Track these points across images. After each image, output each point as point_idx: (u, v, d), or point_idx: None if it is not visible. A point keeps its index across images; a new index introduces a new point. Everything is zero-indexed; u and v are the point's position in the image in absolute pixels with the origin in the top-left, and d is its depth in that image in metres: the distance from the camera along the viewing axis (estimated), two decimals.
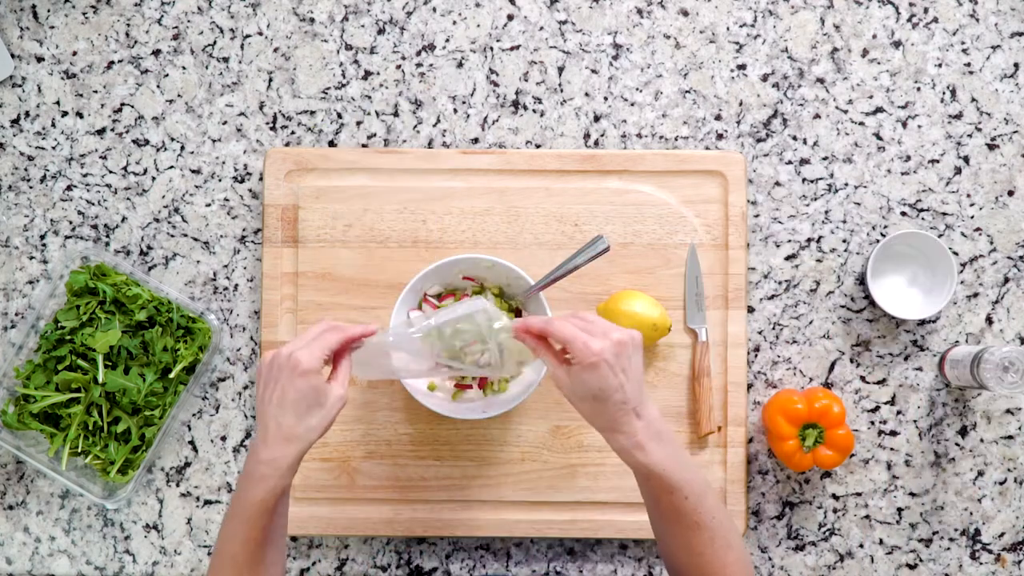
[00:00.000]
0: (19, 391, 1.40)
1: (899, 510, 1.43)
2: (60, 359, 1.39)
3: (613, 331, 1.12)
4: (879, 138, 1.45)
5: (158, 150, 1.46)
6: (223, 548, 1.15)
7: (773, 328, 1.44)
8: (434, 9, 1.47)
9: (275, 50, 1.46)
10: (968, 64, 1.46)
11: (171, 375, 1.40)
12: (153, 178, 1.46)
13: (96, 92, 1.46)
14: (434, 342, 1.21)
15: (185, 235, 1.46)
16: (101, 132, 1.46)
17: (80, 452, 1.41)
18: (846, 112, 1.46)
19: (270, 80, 1.46)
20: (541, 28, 1.46)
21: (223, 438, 1.45)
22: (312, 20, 1.47)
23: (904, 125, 1.45)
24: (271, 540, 1.16)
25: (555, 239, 1.43)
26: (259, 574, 1.15)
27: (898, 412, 1.44)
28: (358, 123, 1.46)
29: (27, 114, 1.46)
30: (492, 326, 1.19)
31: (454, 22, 1.47)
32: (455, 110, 1.46)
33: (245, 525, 1.13)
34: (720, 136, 1.46)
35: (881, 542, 1.43)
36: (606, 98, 1.46)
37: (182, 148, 1.46)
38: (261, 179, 1.46)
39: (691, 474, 1.14)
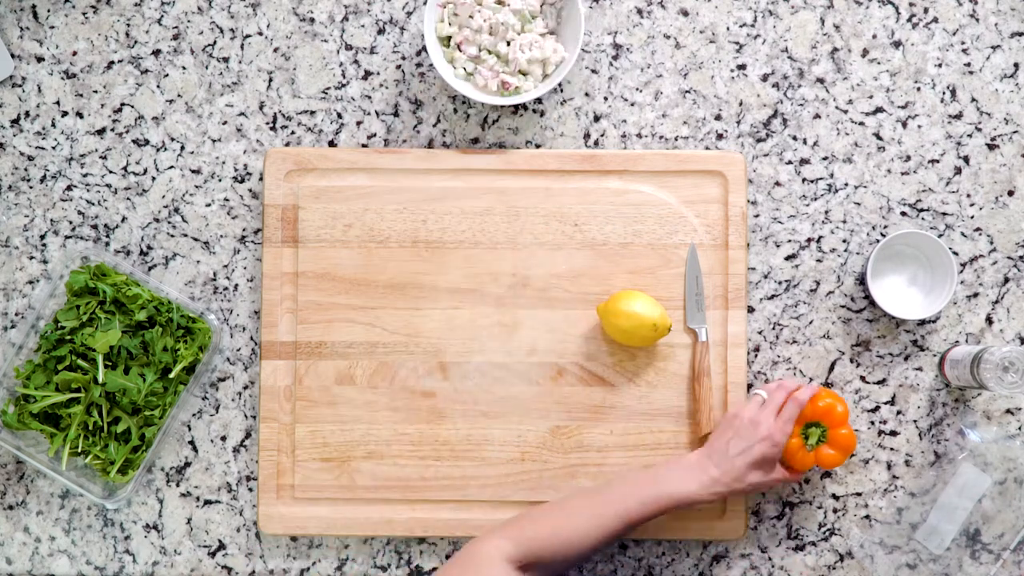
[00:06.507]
0: (19, 391, 1.40)
1: (899, 510, 1.43)
2: (60, 359, 1.39)
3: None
4: (879, 138, 1.45)
5: (158, 150, 1.46)
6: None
7: (773, 328, 1.44)
8: None
9: (275, 50, 1.46)
10: (968, 64, 1.46)
11: (171, 375, 1.40)
12: (153, 178, 1.46)
13: (96, 92, 1.46)
14: None
15: (185, 235, 1.46)
16: (101, 132, 1.46)
17: (80, 452, 1.41)
18: (846, 112, 1.46)
19: (270, 80, 1.46)
20: None
21: (223, 438, 1.45)
22: (312, 20, 1.47)
23: (904, 125, 1.45)
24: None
25: (555, 239, 1.43)
26: None
27: (898, 412, 1.44)
28: (358, 123, 1.46)
29: (27, 114, 1.46)
30: None
31: None
32: (455, 110, 1.46)
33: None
34: (720, 136, 1.46)
35: (881, 542, 1.43)
36: (606, 98, 1.46)
37: (182, 148, 1.46)
38: (261, 179, 1.46)
39: None
